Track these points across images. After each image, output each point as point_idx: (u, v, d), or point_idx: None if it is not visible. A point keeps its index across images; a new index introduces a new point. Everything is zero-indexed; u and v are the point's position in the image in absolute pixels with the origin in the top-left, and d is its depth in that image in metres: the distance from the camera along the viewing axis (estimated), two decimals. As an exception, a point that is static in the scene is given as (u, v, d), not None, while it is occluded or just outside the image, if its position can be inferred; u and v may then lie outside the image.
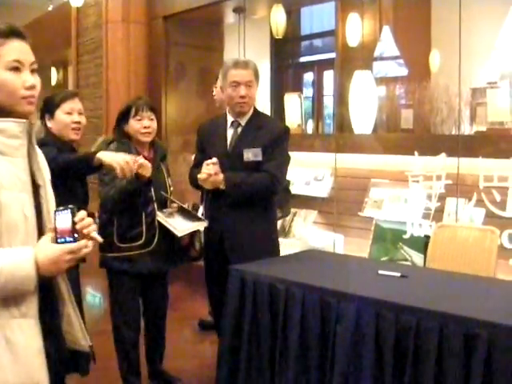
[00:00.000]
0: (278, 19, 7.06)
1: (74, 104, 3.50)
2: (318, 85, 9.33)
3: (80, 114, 3.52)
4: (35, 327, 1.81)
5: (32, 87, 1.88)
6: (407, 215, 5.06)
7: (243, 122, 3.84)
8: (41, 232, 1.86)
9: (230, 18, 7.48)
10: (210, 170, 3.64)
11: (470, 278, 3.39)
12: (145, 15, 7.66)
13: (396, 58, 6.36)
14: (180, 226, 3.70)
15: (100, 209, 3.78)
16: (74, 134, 3.50)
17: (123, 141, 3.73)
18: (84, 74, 8.30)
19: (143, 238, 3.66)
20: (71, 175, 3.34)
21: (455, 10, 4.84)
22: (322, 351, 2.92)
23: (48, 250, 1.77)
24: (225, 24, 7.82)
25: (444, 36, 6.00)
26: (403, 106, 5.93)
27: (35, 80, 1.91)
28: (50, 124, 3.47)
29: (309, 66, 9.59)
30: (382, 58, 6.39)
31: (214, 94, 5.16)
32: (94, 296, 6.13)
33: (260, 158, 3.72)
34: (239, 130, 3.83)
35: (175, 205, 3.81)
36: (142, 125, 3.71)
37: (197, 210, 4.07)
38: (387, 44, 6.35)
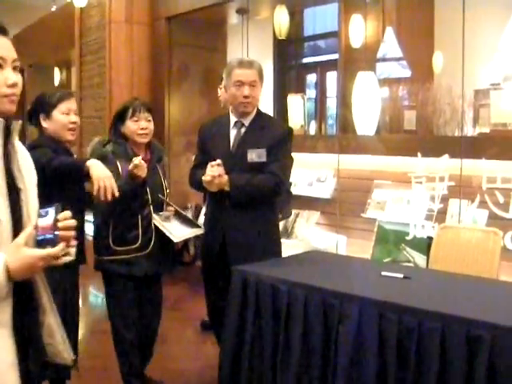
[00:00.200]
0: (281, 20, 7.06)
1: (71, 104, 3.48)
2: (320, 86, 9.31)
3: (75, 114, 3.50)
4: (8, 339, 1.73)
5: (14, 85, 1.78)
6: (410, 216, 5.06)
7: (246, 122, 3.82)
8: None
9: (233, 18, 7.48)
10: (215, 171, 3.61)
11: (472, 279, 3.39)
12: (148, 16, 7.67)
13: (399, 59, 6.35)
14: (176, 232, 3.68)
15: (95, 211, 3.78)
16: (70, 135, 3.48)
17: (119, 141, 3.70)
18: (87, 75, 8.31)
19: (139, 241, 3.62)
20: (65, 180, 3.31)
21: (458, 12, 4.84)
22: (325, 352, 2.92)
23: (20, 255, 1.68)
24: (228, 25, 7.82)
25: (447, 37, 6.00)
26: (406, 108, 5.92)
27: (17, 78, 1.80)
28: (45, 124, 3.42)
29: (312, 67, 9.57)
30: (385, 60, 6.39)
31: (219, 94, 5.16)
32: (97, 296, 6.14)
33: (264, 159, 3.71)
34: (242, 130, 3.81)
35: (171, 208, 3.79)
36: (138, 126, 3.68)
37: (199, 211, 4.05)
38: (390, 45, 6.34)
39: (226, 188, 3.66)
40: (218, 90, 5.15)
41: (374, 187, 5.51)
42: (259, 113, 3.89)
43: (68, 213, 1.76)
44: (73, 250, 1.79)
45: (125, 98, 7.04)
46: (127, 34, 7.55)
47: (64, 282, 3.33)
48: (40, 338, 1.90)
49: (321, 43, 9.52)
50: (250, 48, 6.66)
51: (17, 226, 1.78)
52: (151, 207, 3.66)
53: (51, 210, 1.73)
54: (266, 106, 8.47)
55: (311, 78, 9.66)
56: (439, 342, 2.48)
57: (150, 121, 3.74)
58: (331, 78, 9.02)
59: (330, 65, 8.59)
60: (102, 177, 3.12)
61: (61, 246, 1.71)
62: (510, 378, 2.31)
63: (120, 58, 7.55)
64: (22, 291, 1.77)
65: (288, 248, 4.87)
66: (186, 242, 3.84)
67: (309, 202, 6.04)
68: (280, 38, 7.29)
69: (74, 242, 1.78)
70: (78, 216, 3.53)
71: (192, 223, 3.81)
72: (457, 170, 4.72)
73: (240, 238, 3.74)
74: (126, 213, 3.60)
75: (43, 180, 3.17)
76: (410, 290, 3.07)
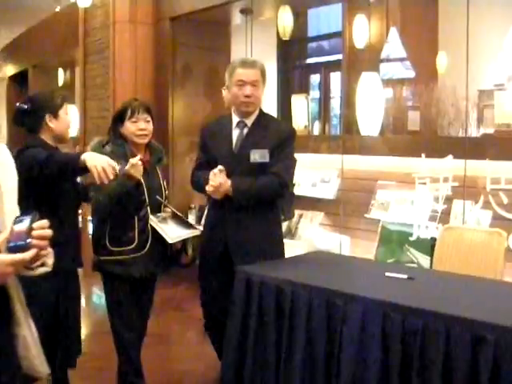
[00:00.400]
0: (285, 20, 7.04)
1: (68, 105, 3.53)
2: (324, 86, 9.32)
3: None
4: None
5: None
6: (414, 217, 5.05)
7: (249, 122, 3.80)
8: None
9: (237, 19, 7.47)
10: (217, 180, 3.60)
11: (476, 280, 3.38)
12: (152, 16, 7.67)
13: (403, 59, 6.34)
14: (172, 233, 3.66)
15: (92, 212, 3.77)
16: (69, 135, 3.53)
17: (118, 142, 3.67)
18: (91, 75, 8.31)
19: (135, 242, 3.60)
20: (61, 177, 3.30)
21: (463, 12, 4.82)
22: (329, 353, 2.91)
23: None
24: (232, 25, 7.81)
25: (451, 38, 5.98)
26: (410, 108, 5.92)
27: None
28: (52, 124, 3.41)
29: (316, 68, 9.58)
30: (388, 60, 6.38)
31: (223, 95, 5.15)
32: (100, 297, 6.14)
33: (267, 160, 3.69)
34: (245, 130, 3.80)
35: (169, 209, 3.78)
36: (137, 127, 3.65)
37: (203, 212, 4.05)
38: (394, 45, 6.33)
39: (230, 193, 3.64)
40: (223, 90, 5.14)
41: (377, 188, 5.50)
42: (262, 113, 3.88)
43: (45, 222, 1.71)
44: (50, 261, 1.75)
45: (128, 98, 7.02)
46: (131, 34, 7.55)
47: (60, 287, 3.34)
48: (13, 350, 1.86)
49: (325, 44, 9.53)
50: (254, 48, 6.66)
51: None
52: (148, 208, 3.64)
53: (28, 218, 1.68)
54: (270, 106, 8.49)
55: (315, 78, 9.67)
56: (443, 342, 2.48)
57: (148, 121, 3.71)
58: (335, 78, 9.03)
59: (334, 65, 8.60)
60: (97, 162, 3.07)
61: (31, 253, 1.64)
62: (515, 379, 2.31)
63: (124, 58, 7.55)
64: None
65: (291, 248, 4.86)
66: (184, 244, 3.82)
67: (312, 203, 6.03)
68: (284, 38, 7.28)
69: (48, 252, 1.74)
70: (73, 214, 3.55)
71: (188, 224, 3.80)
72: (461, 170, 4.71)
73: (242, 239, 3.72)
74: (122, 213, 3.58)
75: (37, 179, 3.19)
76: (413, 290, 3.07)
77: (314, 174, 6.06)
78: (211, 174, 3.62)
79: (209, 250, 3.87)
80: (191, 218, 7.23)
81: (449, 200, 4.87)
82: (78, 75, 9.85)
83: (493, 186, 4.47)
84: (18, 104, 3.47)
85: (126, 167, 3.39)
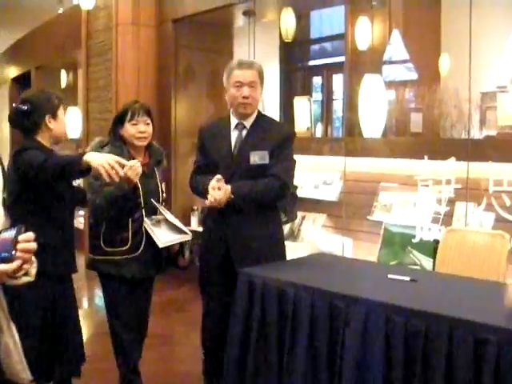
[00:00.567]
0: (288, 22, 7.06)
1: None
2: (327, 88, 9.32)
3: None
4: None
5: None
6: (416, 219, 5.04)
7: (248, 124, 3.78)
8: None
9: (239, 21, 7.48)
10: (216, 194, 3.56)
11: (479, 282, 3.38)
12: (154, 18, 7.69)
13: (405, 61, 6.35)
14: (163, 237, 3.65)
15: (90, 214, 3.77)
16: (65, 136, 3.48)
17: (117, 144, 3.67)
18: (94, 77, 8.32)
19: (129, 243, 3.61)
20: (58, 180, 3.25)
21: (465, 14, 4.83)
22: (331, 355, 2.91)
23: None
24: (234, 27, 7.82)
25: (454, 39, 5.99)
26: (413, 110, 5.91)
27: None
28: (51, 125, 3.34)
29: (318, 70, 9.57)
30: (391, 62, 6.38)
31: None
32: (102, 298, 6.14)
33: (266, 161, 3.68)
34: (244, 132, 3.77)
35: (166, 212, 3.76)
36: (137, 129, 3.65)
37: (205, 214, 4.04)
38: (397, 48, 6.33)
39: (230, 198, 3.60)
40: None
41: (380, 190, 5.50)
42: (260, 115, 3.85)
43: (30, 234, 1.72)
44: (33, 271, 1.77)
45: (131, 100, 7.06)
46: (134, 36, 7.57)
47: (54, 291, 3.31)
48: None
49: (327, 46, 9.52)
50: (257, 50, 6.66)
51: None
52: (143, 211, 3.64)
53: (13, 231, 1.70)
54: (273, 108, 8.48)
55: (317, 80, 9.67)
56: (446, 344, 2.48)
57: (148, 124, 3.71)
58: (337, 80, 9.03)
59: (337, 67, 8.60)
60: (102, 162, 2.99)
61: (14, 264, 1.67)
62: (518, 381, 2.30)
63: (126, 60, 7.57)
64: None
65: (294, 250, 4.86)
66: (181, 246, 3.83)
67: (315, 205, 6.03)
68: (286, 40, 7.29)
69: (32, 262, 1.75)
70: (69, 217, 3.47)
71: (179, 230, 3.78)
72: (463, 172, 4.71)
73: (243, 240, 3.70)
74: (117, 215, 3.58)
75: (33, 181, 3.16)
76: (416, 292, 3.07)
77: (317, 176, 6.07)
78: (210, 187, 3.58)
79: (209, 254, 3.84)
80: (194, 220, 7.26)
81: (451, 202, 4.86)
82: (80, 77, 9.87)
83: (495, 188, 4.46)
84: (15, 105, 3.40)
85: (124, 170, 3.36)
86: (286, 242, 4.08)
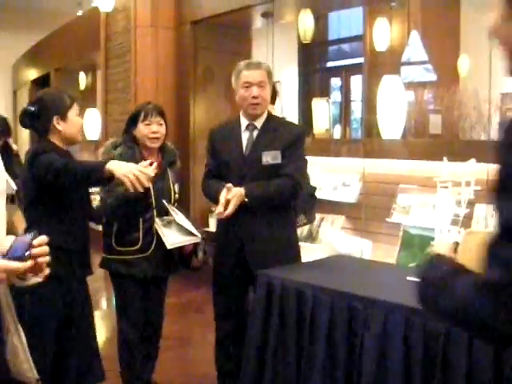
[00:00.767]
0: (306, 24, 7.05)
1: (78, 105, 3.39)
2: (345, 90, 9.31)
3: None
4: None
5: None
6: (435, 221, 5.00)
7: (259, 124, 3.76)
8: None
9: (258, 22, 7.50)
10: (224, 211, 3.48)
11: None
12: (173, 20, 7.71)
13: (424, 62, 6.32)
14: (172, 238, 3.67)
15: (102, 213, 3.79)
16: (80, 136, 3.42)
17: (130, 145, 3.70)
18: (112, 79, 8.37)
19: (140, 243, 3.64)
20: (79, 186, 3.26)
21: (485, 14, 4.79)
22: (350, 357, 2.90)
23: None
24: (253, 29, 7.83)
25: (473, 40, 5.95)
26: (432, 112, 5.88)
27: None
28: (60, 127, 3.25)
29: (337, 71, 9.57)
30: (410, 63, 6.35)
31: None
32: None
33: (279, 161, 3.66)
34: (255, 132, 3.75)
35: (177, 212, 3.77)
36: (150, 130, 3.68)
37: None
38: (415, 49, 6.31)
39: (243, 201, 3.54)
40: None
41: (399, 192, 5.47)
42: (270, 115, 3.85)
43: (44, 238, 1.74)
44: (44, 272, 1.78)
45: (150, 101, 7.10)
46: (152, 38, 7.60)
47: (71, 294, 3.27)
48: (1, 355, 1.89)
49: (345, 47, 9.51)
50: (275, 52, 6.67)
51: None
52: (155, 211, 3.66)
53: (29, 236, 1.73)
54: (291, 109, 8.48)
55: (336, 81, 9.66)
56: (466, 347, 2.46)
57: (161, 125, 3.73)
58: (356, 81, 9.01)
59: (355, 68, 8.58)
60: (126, 171, 2.99)
61: (26, 264, 1.68)
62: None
63: (145, 62, 7.60)
64: None
65: (312, 252, 4.85)
66: (195, 247, 3.84)
67: (333, 207, 6.01)
68: (305, 41, 7.29)
69: (45, 270, 1.77)
70: (84, 221, 3.41)
71: (189, 232, 3.77)
72: (483, 174, 4.66)
73: (258, 242, 3.67)
74: (128, 214, 3.62)
75: (50, 185, 3.14)
76: (436, 295, 3.04)
77: (335, 178, 6.05)
78: (221, 198, 3.48)
79: (223, 255, 3.82)
80: (212, 222, 7.26)
81: (471, 204, 4.82)
82: (99, 79, 9.94)
83: (515, 189, 4.42)
84: (25, 105, 3.36)
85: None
86: (305, 244, 4.07)
